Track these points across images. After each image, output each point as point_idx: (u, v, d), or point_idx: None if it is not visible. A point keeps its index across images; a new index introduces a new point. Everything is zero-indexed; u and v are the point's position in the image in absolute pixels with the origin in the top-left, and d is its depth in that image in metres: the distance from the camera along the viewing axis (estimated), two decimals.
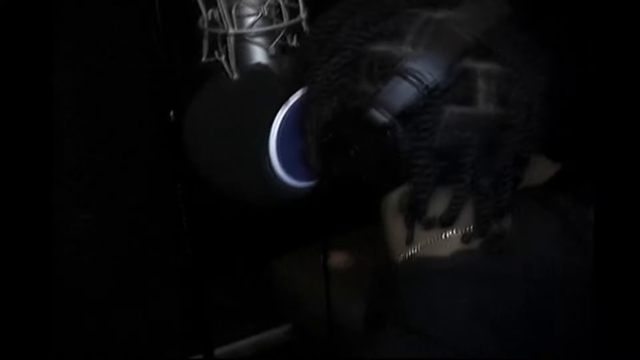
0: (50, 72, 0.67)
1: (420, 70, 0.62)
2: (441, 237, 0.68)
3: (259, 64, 0.92)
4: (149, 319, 2.22)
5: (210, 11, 0.93)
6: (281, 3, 0.91)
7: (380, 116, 0.63)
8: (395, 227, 0.70)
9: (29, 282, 0.63)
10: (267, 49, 0.91)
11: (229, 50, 0.89)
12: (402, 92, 0.62)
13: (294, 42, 0.95)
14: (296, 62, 0.77)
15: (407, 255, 0.70)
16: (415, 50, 0.62)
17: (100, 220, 2.11)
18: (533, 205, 0.72)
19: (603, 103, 0.60)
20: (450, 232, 0.68)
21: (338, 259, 2.18)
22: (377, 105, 0.63)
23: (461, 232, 0.68)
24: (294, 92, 0.84)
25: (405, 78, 0.62)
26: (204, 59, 0.96)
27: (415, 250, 0.69)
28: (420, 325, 0.64)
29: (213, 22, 0.94)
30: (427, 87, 0.62)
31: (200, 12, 0.95)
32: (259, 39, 0.91)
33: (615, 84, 0.60)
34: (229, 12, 0.89)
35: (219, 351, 2.13)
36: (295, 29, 0.95)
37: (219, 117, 0.92)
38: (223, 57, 0.91)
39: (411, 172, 0.65)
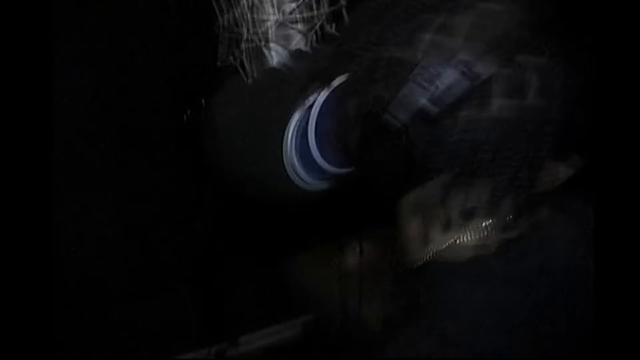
0: (51, 72, 0.68)
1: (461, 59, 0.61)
2: (460, 239, 0.68)
3: (299, 50, 0.92)
4: (161, 317, 2.22)
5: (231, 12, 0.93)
6: None
7: (394, 121, 0.63)
8: (412, 228, 0.70)
9: (30, 279, 0.63)
10: (306, 36, 0.91)
11: (271, 36, 0.89)
12: (416, 95, 0.62)
13: (333, 29, 0.95)
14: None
15: (425, 257, 0.70)
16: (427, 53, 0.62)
17: (114, 217, 2.09)
18: (550, 208, 0.70)
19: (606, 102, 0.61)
20: (469, 234, 0.68)
21: (351, 259, 2.19)
22: (391, 110, 0.63)
23: (480, 233, 0.67)
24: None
25: (417, 83, 0.62)
26: (244, 45, 0.96)
27: (434, 252, 0.69)
28: (440, 327, 0.64)
29: (249, 8, 0.94)
30: (468, 76, 0.61)
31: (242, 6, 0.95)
32: (299, 25, 0.91)
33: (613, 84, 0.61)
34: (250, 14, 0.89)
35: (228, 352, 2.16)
36: (335, 16, 0.95)
37: (260, 114, 0.93)
38: (238, 62, 0.92)
39: (432, 172, 0.64)
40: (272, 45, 0.92)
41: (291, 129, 0.84)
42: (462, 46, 0.62)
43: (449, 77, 0.62)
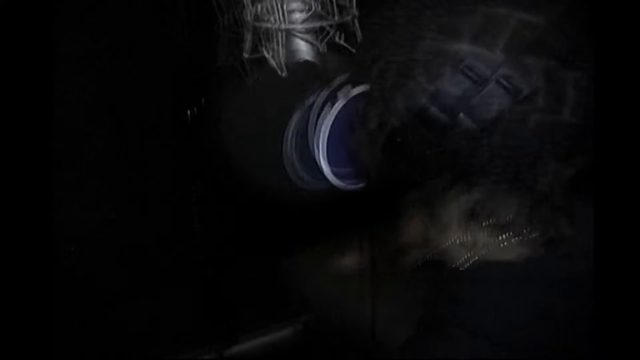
0: (51, 72, 0.66)
1: (502, 73, 0.60)
2: (504, 241, 0.67)
3: (307, 62, 0.88)
4: (160, 317, 2.19)
5: (256, 5, 0.90)
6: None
7: (440, 114, 0.62)
8: (454, 231, 0.69)
9: (30, 279, 0.62)
10: (315, 46, 0.88)
11: (279, 46, 0.85)
12: (463, 90, 0.61)
13: (342, 40, 0.92)
14: (348, 61, 0.75)
15: (468, 259, 0.69)
16: (475, 47, 0.61)
17: (113, 217, 2.08)
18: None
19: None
20: (513, 237, 0.67)
21: (350, 260, 2.17)
22: (437, 104, 0.62)
23: (523, 236, 0.66)
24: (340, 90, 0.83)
25: (465, 75, 0.61)
26: (246, 55, 0.92)
27: (478, 254, 0.68)
28: (486, 329, 0.63)
29: (257, 17, 0.91)
30: (509, 89, 0.60)
31: (244, 6, 0.91)
32: (307, 36, 0.88)
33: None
34: (280, 6, 0.85)
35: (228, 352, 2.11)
36: (343, 27, 0.91)
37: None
38: (270, 54, 0.87)
39: (479, 176, 0.63)
40: (305, 36, 0.89)
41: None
42: (503, 60, 0.61)
43: (489, 91, 0.61)
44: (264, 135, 0.85)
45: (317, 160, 0.81)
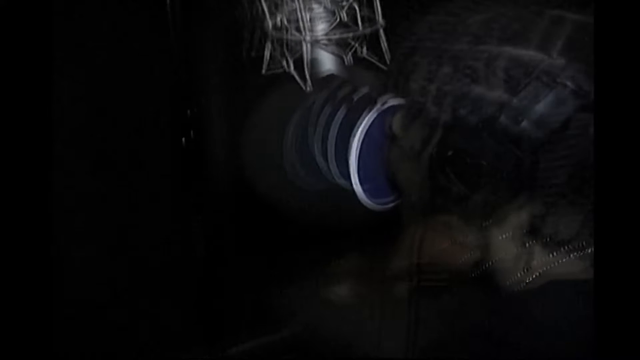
0: (51, 74, 0.65)
1: (565, 77, 0.57)
2: (563, 258, 0.62)
3: (332, 75, 0.84)
4: (153, 321, 2.14)
5: (275, 15, 0.85)
6: (357, 9, 0.83)
7: (519, 127, 0.57)
8: (509, 250, 0.64)
9: (30, 282, 0.61)
10: (341, 58, 0.83)
11: (305, 58, 0.80)
12: (547, 100, 0.57)
13: (366, 53, 0.87)
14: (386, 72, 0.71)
15: (524, 278, 0.64)
16: (550, 55, 0.58)
17: (111, 225, 2.05)
18: None
19: None
20: (575, 252, 0.62)
21: (342, 290, 2.16)
22: (515, 115, 0.57)
23: (585, 252, 0.62)
24: (372, 105, 0.79)
25: (549, 86, 0.57)
26: (264, 70, 0.88)
27: (535, 272, 0.63)
28: (542, 347, 0.58)
29: (276, 28, 0.86)
30: (575, 95, 0.57)
31: (263, 17, 0.87)
32: (333, 47, 0.83)
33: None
34: (305, 17, 0.80)
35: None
36: (367, 39, 0.87)
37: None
38: (292, 67, 0.83)
39: (541, 189, 0.59)
40: (330, 48, 0.84)
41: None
42: (565, 64, 0.57)
43: (555, 96, 0.57)
44: (266, 135, 0.81)
45: (351, 177, 0.77)
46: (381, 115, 0.80)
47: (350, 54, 0.84)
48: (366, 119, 0.79)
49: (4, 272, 0.60)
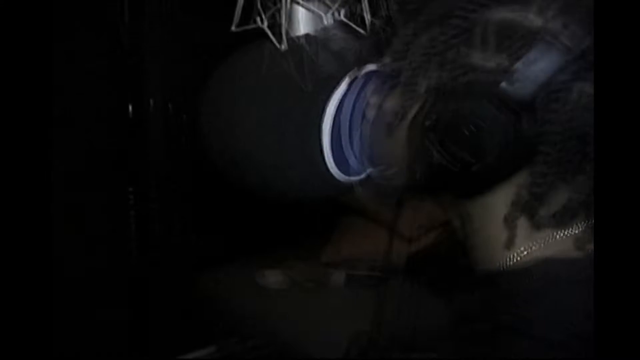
0: (51, 73, 0.65)
1: (562, 41, 0.55)
2: (551, 239, 0.60)
3: (309, 35, 0.78)
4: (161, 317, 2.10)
5: None
6: None
7: (517, 92, 0.54)
8: (493, 226, 0.61)
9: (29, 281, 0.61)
10: (322, 17, 0.77)
11: (282, 15, 0.73)
12: (543, 66, 0.55)
13: (344, 15, 0.81)
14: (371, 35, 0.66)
15: (517, 256, 0.61)
16: (546, 19, 0.56)
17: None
18: None
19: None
20: (562, 234, 0.59)
21: (273, 276, 2.16)
22: (511, 81, 0.54)
23: (574, 233, 0.60)
24: (354, 69, 0.73)
25: (544, 49, 0.55)
26: (234, 27, 0.80)
27: (522, 253, 0.60)
28: (539, 330, 0.55)
29: None
30: (572, 59, 0.55)
31: None
32: (312, 4, 0.77)
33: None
34: None
35: None
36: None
37: (256, 95, 0.77)
38: (265, 24, 0.76)
39: (534, 159, 0.56)
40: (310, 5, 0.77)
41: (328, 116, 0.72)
42: (563, 26, 0.55)
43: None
44: (291, 119, 0.75)
45: (323, 146, 0.71)
46: (359, 81, 0.75)
47: (330, 14, 0.77)
48: (342, 84, 0.73)
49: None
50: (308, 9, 0.76)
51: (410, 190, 0.63)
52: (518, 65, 0.54)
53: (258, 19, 0.76)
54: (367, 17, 0.79)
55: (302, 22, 0.77)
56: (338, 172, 0.75)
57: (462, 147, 0.55)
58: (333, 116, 0.72)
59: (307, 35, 0.77)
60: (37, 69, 0.63)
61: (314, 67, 0.75)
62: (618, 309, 0.51)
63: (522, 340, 0.55)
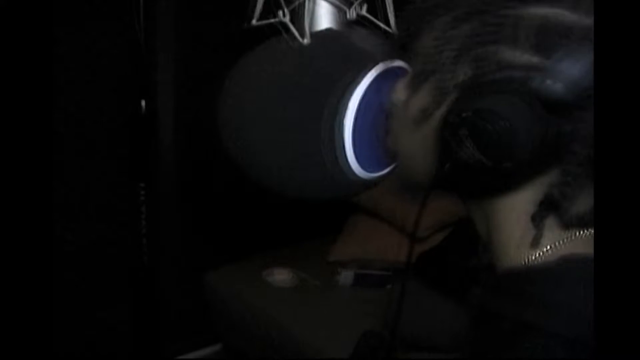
0: (51, 73, 0.66)
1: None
2: (575, 237, 0.59)
3: (331, 30, 0.77)
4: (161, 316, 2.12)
5: None
6: None
7: (549, 90, 0.53)
8: (518, 224, 0.60)
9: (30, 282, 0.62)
10: (344, 12, 0.76)
11: (305, 8, 0.72)
12: (576, 63, 0.53)
13: (366, 11, 0.80)
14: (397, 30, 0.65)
15: (534, 256, 0.60)
16: (580, 15, 0.54)
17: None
18: None
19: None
20: (587, 232, 0.59)
21: (281, 275, 2.15)
22: (543, 78, 0.53)
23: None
24: (376, 64, 0.72)
25: (577, 46, 0.53)
26: (255, 20, 0.80)
27: (547, 252, 0.59)
28: (561, 328, 0.55)
29: None
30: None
31: None
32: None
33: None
34: None
35: None
36: None
37: (272, 93, 0.76)
38: (288, 18, 0.75)
39: (564, 159, 0.56)
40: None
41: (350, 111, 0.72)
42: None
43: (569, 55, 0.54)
44: (310, 116, 0.74)
45: (345, 142, 0.70)
46: (382, 77, 0.74)
47: (353, 8, 0.76)
48: (365, 79, 0.72)
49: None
50: (331, 3, 0.75)
51: (433, 187, 0.62)
52: (551, 62, 0.53)
53: (280, 12, 0.75)
54: (391, 13, 0.78)
55: (325, 17, 0.76)
56: (359, 168, 0.74)
57: (492, 144, 0.54)
58: (355, 112, 0.71)
59: (329, 30, 0.77)
60: (38, 66, 0.63)
61: (335, 62, 0.74)
62: (618, 309, 0.51)
63: (544, 339, 0.54)
